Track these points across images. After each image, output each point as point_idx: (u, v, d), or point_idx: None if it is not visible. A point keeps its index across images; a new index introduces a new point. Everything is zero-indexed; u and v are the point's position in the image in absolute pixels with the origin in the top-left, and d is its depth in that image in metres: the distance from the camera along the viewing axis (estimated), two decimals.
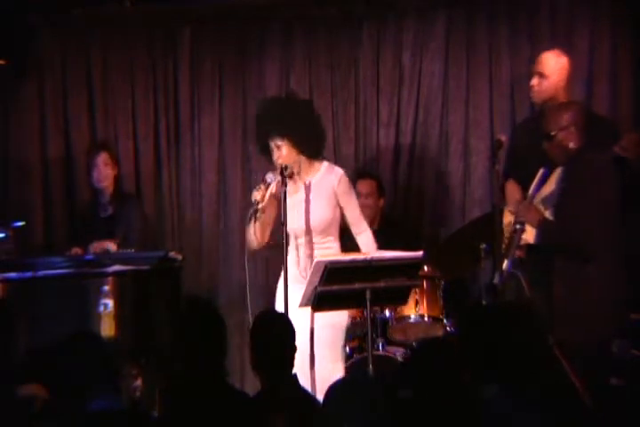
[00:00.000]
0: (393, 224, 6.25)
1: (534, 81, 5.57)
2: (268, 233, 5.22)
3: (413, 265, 5.07)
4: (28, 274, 5.23)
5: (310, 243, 5.15)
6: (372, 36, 6.58)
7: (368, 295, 4.92)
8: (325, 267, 4.80)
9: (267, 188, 5.01)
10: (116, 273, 5.19)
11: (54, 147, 6.84)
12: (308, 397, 4.11)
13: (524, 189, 5.29)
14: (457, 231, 5.88)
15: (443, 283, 5.73)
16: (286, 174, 5.03)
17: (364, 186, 6.15)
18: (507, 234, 5.10)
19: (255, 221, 5.02)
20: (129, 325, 5.17)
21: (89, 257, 5.49)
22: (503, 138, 5.20)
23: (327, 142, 6.59)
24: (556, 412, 3.24)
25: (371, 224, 6.16)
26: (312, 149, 5.17)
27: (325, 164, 5.20)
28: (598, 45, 6.20)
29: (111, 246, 5.97)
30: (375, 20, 6.60)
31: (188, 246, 6.68)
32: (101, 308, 5.12)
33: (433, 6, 6.52)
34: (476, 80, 6.43)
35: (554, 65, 5.54)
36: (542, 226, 4.89)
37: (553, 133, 4.92)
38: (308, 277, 4.88)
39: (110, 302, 5.13)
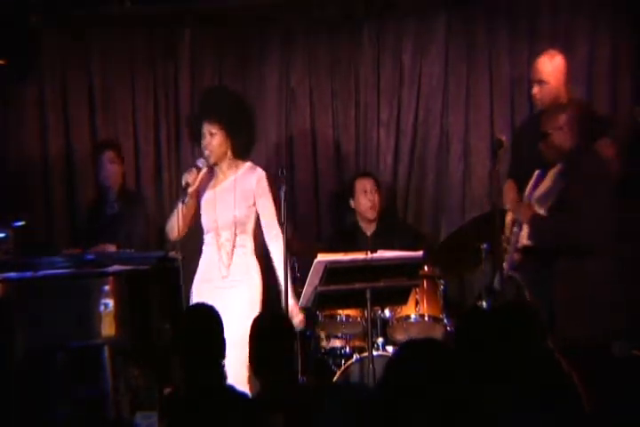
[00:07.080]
0: (393, 224, 6.24)
1: (535, 90, 5.57)
2: (186, 226, 5.35)
3: (413, 265, 5.08)
4: (28, 274, 5.21)
5: (228, 240, 5.22)
6: (372, 37, 6.59)
7: (368, 295, 4.93)
8: (325, 267, 4.81)
9: (198, 172, 5.17)
10: (116, 273, 5.18)
11: (54, 147, 6.84)
12: (308, 397, 4.10)
13: (522, 188, 5.31)
14: (457, 231, 5.88)
15: (443, 283, 5.73)
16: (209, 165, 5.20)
17: (367, 183, 6.09)
18: (508, 233, 5.14)
19: (183, 206, 5.17)
20: (129, 324, 5.16)
21: (89, 257, 5.48)
22: (503, 138, 5.23)
23: (327, 142, 6.65)
24: (555, 413, 3.24)
25: (373, 222, 6.14)
26: (242, 146, 5.24)
27: (249, 163, 5.26)
28: (598, 45, 6.22)
29: (111, 249, 5.97)
30: (375, 21, 6.60)
31: (187, 246, 6.67)
32: (102, 308, 5.11)
33: (433, 7, 6.52)
34: (476, 81, 6.43)
35: (550, 69, 5.56)
36: (534, 222, 4.95)
37: (548, 133, 4.97)
38: (309, 278, 4.88)
39: (111, 302, 5.12)
